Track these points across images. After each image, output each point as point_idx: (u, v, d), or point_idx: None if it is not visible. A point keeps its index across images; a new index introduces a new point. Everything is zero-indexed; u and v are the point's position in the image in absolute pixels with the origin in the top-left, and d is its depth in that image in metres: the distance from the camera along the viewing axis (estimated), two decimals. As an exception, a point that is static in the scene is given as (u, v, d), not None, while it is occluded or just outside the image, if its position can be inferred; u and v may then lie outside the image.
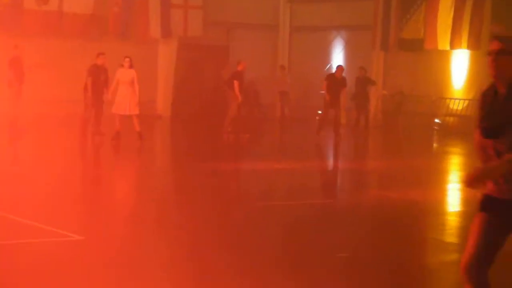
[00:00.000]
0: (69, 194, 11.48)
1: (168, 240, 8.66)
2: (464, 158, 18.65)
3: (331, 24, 28.13)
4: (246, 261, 7.74)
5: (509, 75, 4.69)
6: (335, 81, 21.58)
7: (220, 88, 27.29)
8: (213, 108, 27.14)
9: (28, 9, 24.24)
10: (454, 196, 12.92)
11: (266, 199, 11.95)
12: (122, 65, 18.26)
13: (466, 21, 23.64)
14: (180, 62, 27.23)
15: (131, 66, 18.19)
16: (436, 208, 11.69)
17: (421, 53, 25.30)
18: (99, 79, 18.50)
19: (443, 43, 24.37)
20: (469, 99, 23.80)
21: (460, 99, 24.40)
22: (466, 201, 11.70)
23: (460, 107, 24.38)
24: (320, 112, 24.29)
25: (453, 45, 24.15)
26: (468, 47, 23.71)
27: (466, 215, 10.25)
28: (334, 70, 24.47)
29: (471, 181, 4.59)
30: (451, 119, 24.38)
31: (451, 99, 24.76)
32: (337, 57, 28.22)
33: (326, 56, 28.63)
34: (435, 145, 23.26)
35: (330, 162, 18.78)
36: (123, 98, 18.08)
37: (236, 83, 21.02)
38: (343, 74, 21.97)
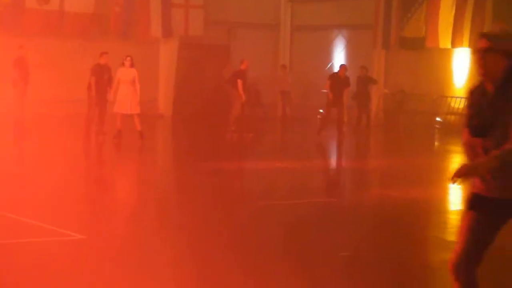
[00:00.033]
0: (71, 193, 11.47)
1: (170, 240, 8.66)
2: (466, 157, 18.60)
3: (332, 23, 28.12)
4: (248, 260, 7.73)
5: (497, 73, 4.65)
6: (338, 80, 21.58)
7: (221, 88, 27.31)
8: (214, 107, 27.14)
9: (29, 8, 24.25)
10: (455, 195, 12.91)
11: (268, 198, 11.94)
12: (123, 64, 18.28)
13: (468, 19, 23.63)
14: (181, 62, 27.23)
15: (132, 65, 18.20)
16: (437, 206, 11.68)
17: (422, 52, 25.29)
18: (102, 78, 18.51)
19: (445, 41, 24.36)
20: (470, 98, 23.76)
21: (461, 98, 24.37)
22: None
23: (461, 106, 24.33)
24: (321, 111, 24.30)
25: (454, 44, 24.13)
26: (470, 46, 23.69)
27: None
28: (335, 69, 24.52)
29: (457, 177, 4.55)
30: (453, 117, 24.36)
31: (452, 97, 24.75)
32: (339, 56, 28.22)
33: (327, 55, 28.63)
34: (436, 143, 23.24)
35: (332, 161, 18.78)
36: (124, 97, 18.10)
37: (239, 82, 21.00)
38: (346, 73, 22.00)
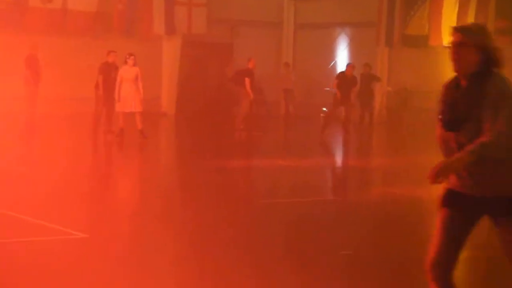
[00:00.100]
0: (73, 192, 11.49)
1: (172, 238, 8.67)
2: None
3: (336, 21, 28.10)
4: (249, 258, 7.73)
5: (471, 67, 4.61)
6: (346, 79, 21.57)
7: (224, 86, 27.30)
8: (217, 105, 27.15)
9: (33, 6, 24.28)
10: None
11: (270, 196, 11.95)
12: (126, 63, 18.29)
13: (471, 17, 23.59)
14: (184, 60, 27.24)
15: (134, 64, 18.21)
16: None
17: (425, 50, 25.26)
18: (110, 76, 18.50)
19: (448, 39, 24.31)
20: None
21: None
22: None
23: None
24: (325, 109, 24.28)
25: (457, 42, 24.09)
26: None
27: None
28: (338, 67, 24.50)
29: (434, 176, 4.52)
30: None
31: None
32: (342, 54, 28.20)
33: (330, 53, 28.61)
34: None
35: (335, 160, 18.77)
36: (127, 95, 18.12)
37: (247, 80, 20.97)
38: (354, 72, 22.01)
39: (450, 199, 4.74)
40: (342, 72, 22.32)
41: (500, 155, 4.47)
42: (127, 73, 18.20)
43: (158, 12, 26.36)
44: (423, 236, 9.51)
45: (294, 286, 6.84)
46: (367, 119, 24.80)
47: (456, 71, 4.67)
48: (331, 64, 28.05)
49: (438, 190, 4.84)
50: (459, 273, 7.71)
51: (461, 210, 4.71)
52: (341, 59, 27.99)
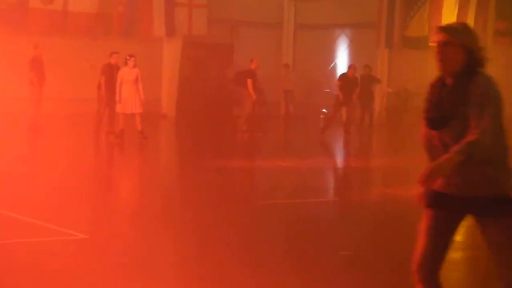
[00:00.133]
0: (74, 192, 11.49)
1: (173, 239, 8.68)
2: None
3: (336, 21, 28.11)
4: (250, 258, 7.75)
5: (456, 66, 4.62)
6: (348, 80, 21.59)
7: (224, 86, 27.32)
8: (217, 106, 27.15)
9: (34, 8, 24.28)
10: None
11: (270, 197, 11.95)
12: (126, 64, 18.30)
13: (471, 18, 23.60)
14: (185, 61, 27.25)
15: (135, 66, 18.22)
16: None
17: (426, 51, 25.24)
18: (112, 77, 18.50)
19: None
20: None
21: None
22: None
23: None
24: (325, 110, 24.28)
25: (457, 43, 24.10)
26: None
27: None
28: (338, 68, 24.51)
29: (425, 180, 4.52)
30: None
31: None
32: (342, 55, 28.21)
33: (330, 54, 28.62)
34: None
35: (335, 161, 18.78)
36: (127, 97, 18.13)
37: (249, 81, 20.92)
38: (356, 74, 22.03)
39: (434, 200, 4.73)
40: (344, 74, 22.33)
41: (486, 153, 4.49)
42: (127, 74, 18.21)
43: (158, 13, 26.38)
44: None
45: (294, 286, 6.86)
46: (367, 120, 24.80)
47: (441, 70, 4.69)
48: (331, 65, 28.06)
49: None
50: (459, 273, 7.76)
51: (445, 210, 4.70)
52: (341, 60, 28.01)
